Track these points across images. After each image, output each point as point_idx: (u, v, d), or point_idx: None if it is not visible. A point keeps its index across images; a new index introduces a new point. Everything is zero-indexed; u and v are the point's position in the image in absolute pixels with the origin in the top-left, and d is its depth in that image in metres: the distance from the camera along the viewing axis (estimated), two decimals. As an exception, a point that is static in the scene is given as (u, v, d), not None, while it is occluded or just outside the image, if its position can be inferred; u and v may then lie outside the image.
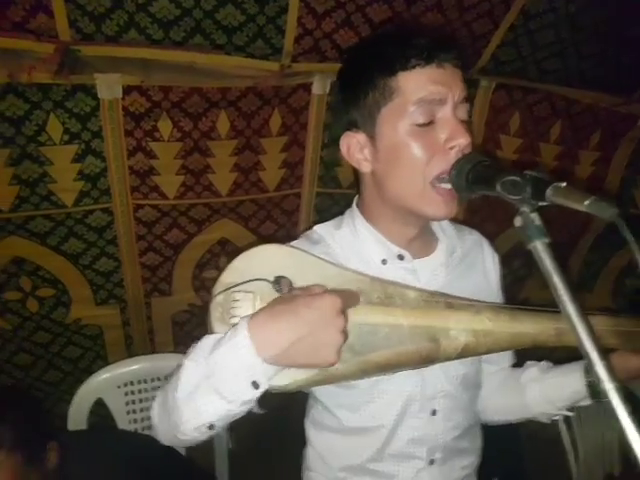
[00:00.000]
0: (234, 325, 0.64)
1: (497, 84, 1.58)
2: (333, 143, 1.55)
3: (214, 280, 1.68)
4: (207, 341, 0.66)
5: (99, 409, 1.46)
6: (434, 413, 0.86)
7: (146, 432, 1.49)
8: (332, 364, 0.65)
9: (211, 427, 0.66)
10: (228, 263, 1.72)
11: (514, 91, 1.61)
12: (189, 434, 0.67)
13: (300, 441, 0.99)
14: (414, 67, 0.73)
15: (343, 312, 0.64)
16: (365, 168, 0.81)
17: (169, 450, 1.18)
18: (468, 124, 0.76)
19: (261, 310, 0.65)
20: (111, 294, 1.61)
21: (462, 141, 0.73)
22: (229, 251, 1.64)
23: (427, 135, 0.74)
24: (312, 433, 0.96)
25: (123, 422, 1.52)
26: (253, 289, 0.67)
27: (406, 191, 0.77)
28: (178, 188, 1.45)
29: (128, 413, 1.52)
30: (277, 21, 1.24)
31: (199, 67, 1.25)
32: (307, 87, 1.42)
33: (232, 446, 1.54)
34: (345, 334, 0.64)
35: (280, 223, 1.66)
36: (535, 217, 0.58)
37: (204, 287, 1.69)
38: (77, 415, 1.42)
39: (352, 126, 0.80)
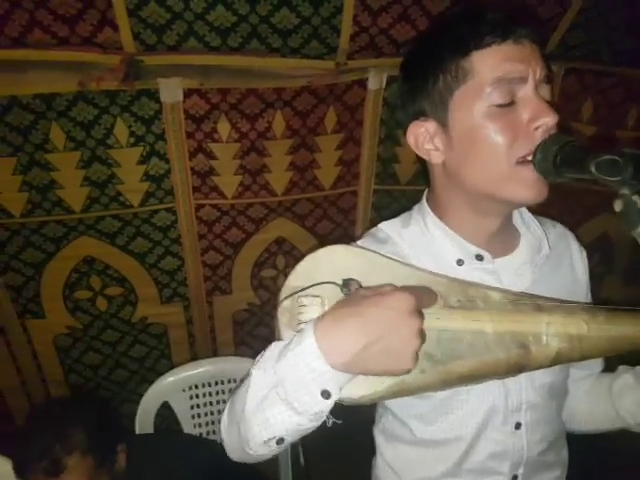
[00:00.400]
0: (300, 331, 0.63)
1: (567, 69, 1.57)
2: (390, 139, 1.61)
3: (272, 279, 1.81)
4: (275, 348, 0.65)
5: (165, 413, 1.58)
6: (518, 426, 0.83)
7: (211, 437, 1.60)
8: (408, 371, 0.62)
9: (280, 441, 0.64)
10: (286, 262, 1.81)
11: (585, 76, 1.60)
12: (258, 449, 0.66)
13: (368, 449, 0.99)
14: (489, 45, 0.70)
15: (418, 311, 0.61)
16: (436, 159, 0.78)
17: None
18: (552, 104, 0.73)
19: (327, 313, 0.63)
20: (175, 292, 1.75)
21: (549, 120, 0.70)
22: (286, 250, 1.73)
23: (508, 116, 0.71)
24: (382, 443, 0.95)
25: (188, 426, 1.63)
26: (320, 293, 0.66)
27: (488, 176, 0.73)
28: (236, 188, 1.56)
29: (193, 417, 1.63)
30: (332, 21, 1.32)
31: (256, 70, 1.35)
32: (362, 83, 1.49)
33: (303, 463, 1.59)
34: (422, 336, 0.61)
35: (337, 222, 1.73)
36: (638, 200, 0.55)
37: (262, 286, 1.79)
38: (144, 418, 1.54)
39: (420, 115, 0.78)
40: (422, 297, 0.64)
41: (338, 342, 0.60)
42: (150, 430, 1.57)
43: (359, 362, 0.60)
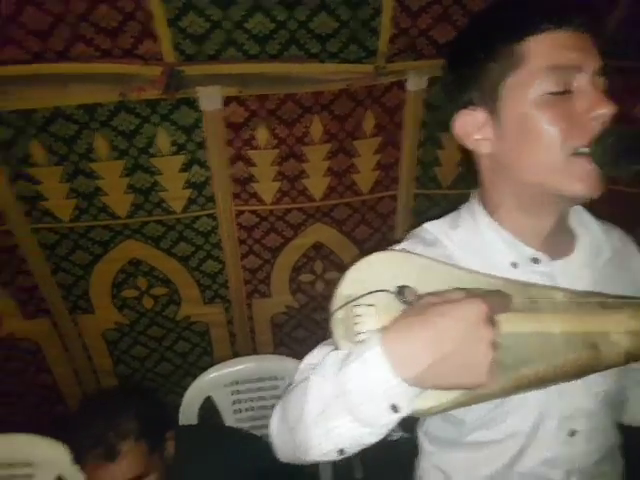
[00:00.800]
0: (360, 342, 0.60)
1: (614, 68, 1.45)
2: (431, 141, 1.53)
3: (310, 283, 1.77)
4: (335, 357, 0.61)
5: (208, 406, 1.58)
6: (573, 434, 0.78)
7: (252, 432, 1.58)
8: (482, 384, 0.56)
9: (342, 452, 0.60)
10: (324, 267, 1.75)
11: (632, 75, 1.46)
12: (317, 458, 0.62)
13: (410, 448, 0.95)
14: (544, 31, 0.67)
15: (491, 320, 0.56)
16: (485, 149, 0.74)
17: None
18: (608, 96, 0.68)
19: (395, 322, 0.58)
20: (217, 294, 1.73)
21: (606, 111, 0.65)
22: (324, 255, 1.68)
23: (562, 105, 0.66)
24: (427, 445, 0.91)
25: (230, 421, 1.63)
26: (374, 302, 0.62)
27: (540, 168, 0.69)
28: (275, 194, 1.52)
29: (235, 412, 1.63)
30: (371, 24, 1.25)
31: (294, 76, 1.30)
32: (401, 85, 1.41)
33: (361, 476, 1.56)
34: (495, 347, 0.56)
35: (375, 227, 1.67)
36: None
37: (300, 290, 1.75)
38: (188, 412, 1.55)
39: (468, 104, 0.74)
40: (494, 303, 0.58)
41: (408, 355, 0.55)
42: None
43: (430, 376, 0.55)
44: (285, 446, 0.68)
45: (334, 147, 1.47)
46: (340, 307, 0.63)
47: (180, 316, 1.77)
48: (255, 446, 1.28)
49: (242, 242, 1.62)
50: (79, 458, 1.10)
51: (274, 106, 1.37)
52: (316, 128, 1.43)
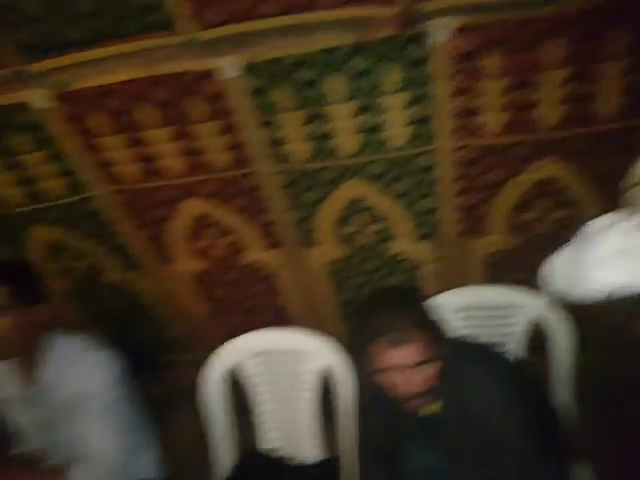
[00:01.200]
0: None
1: None
2: None
3: (531, 222, 1.60)
4: (633, 220, 0.67)
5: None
6: None
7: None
8: None
9: (611, 295, 0.66)
10: (551, 205, 1.56)
11: None
12: (588, 295, 0.69)
13: None
14: None
15: None
16: None
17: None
18: None
19: None
20: (429, 232, 1.70)
21: None
22: (554, 192, 1.51)
23: None
24: None
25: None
26: None
27: None
28: (501, 126, 1.40)
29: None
30: None
31: (533, -2, 1.14)
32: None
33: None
34: None
35: (618, 161, 1.41)
36: None
37: (519, 229, 1.62)
38: None
39: None
40: None
41: None
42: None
43: None
44: (564, 281, 0.75)
45: (574, 71, 1.28)
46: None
47: (391, 252, 1.79)
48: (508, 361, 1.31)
49: (460, 179, 1.54)
50: (371, 341, 1.15)
51: (507, 33, 1.23)
52: (554, 52, 1.26)
